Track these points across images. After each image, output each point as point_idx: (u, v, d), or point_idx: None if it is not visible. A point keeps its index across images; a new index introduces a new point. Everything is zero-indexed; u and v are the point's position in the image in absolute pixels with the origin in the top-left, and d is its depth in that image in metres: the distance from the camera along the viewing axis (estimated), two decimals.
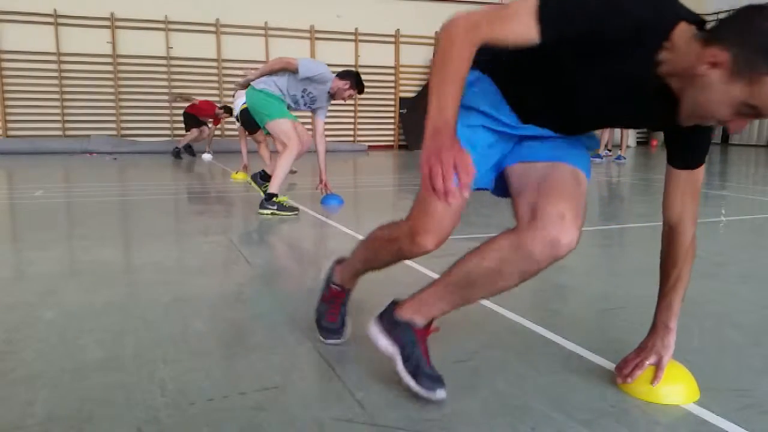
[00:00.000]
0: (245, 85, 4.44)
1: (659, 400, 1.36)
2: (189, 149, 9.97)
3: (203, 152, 9.75)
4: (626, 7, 1.08)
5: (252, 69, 4.33)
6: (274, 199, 4.11)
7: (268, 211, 4.07)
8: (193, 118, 9.50)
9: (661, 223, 1.45)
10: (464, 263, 1.34)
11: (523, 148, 1.39)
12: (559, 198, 1.24)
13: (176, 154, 9.72)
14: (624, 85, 1.18)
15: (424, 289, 1.42)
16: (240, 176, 6.63)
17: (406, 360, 1.37)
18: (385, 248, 1.52)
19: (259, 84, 4.26)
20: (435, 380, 1.34)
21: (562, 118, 1.33)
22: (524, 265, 1.24)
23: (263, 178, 4.69)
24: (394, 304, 1.45)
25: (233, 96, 6.82)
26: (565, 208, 1.22)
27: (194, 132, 9.58)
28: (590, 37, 1.10)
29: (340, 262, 1.78)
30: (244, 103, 7.27)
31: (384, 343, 1.42)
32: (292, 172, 6.44)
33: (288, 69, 4.26)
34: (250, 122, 7.52)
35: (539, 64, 1.24)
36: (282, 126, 4.18)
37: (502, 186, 1.45)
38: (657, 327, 1.44)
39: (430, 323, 1.42)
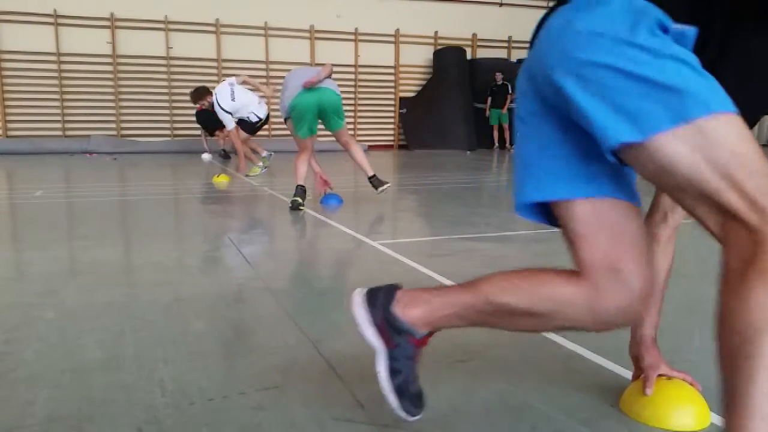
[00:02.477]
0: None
1: (670, 426, 1.26)
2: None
3: (215, 151, 9.63)
4: None
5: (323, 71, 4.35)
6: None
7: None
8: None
9: None
10: (504, 293, 1.12)
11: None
12: (643, 255, 1.05)
13: (224, 155, 9.46)
14: None
15: (437, 295, 1.21)
16: (222, 179, 6.31)
17: (393, 372, 1.20)
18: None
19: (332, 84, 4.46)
20: (417, 403, 1.22)
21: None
22: (590, 324, 1.08)
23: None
24: (394, 292, 1.23)
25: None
26: (649, 272, 1.05)
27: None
28: None
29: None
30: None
31: (370, 336, 1.21)
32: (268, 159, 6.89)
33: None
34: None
35: None
36: None
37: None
38: (645, 340, 1.33)
39: (430, 334, 1.22)
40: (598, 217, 1.04)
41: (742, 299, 0.82)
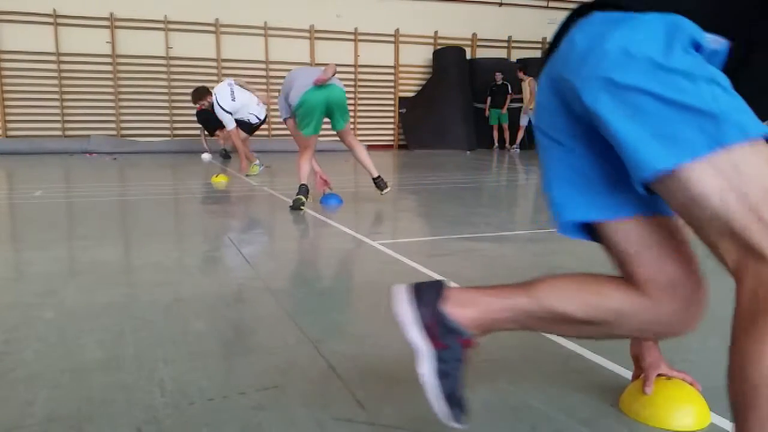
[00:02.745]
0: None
1: (670, 426, 1.26)
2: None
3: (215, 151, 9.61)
4: None
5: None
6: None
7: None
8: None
9: None
10: (562, 302, 1.10)
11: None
12: (692, 262, 1.07)
13: (224, 155, 9.41)
14: None
15: (490, 295, 1.15)
16: (221, 179, 6.21)
17: (442, 375, 1.11)
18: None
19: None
20: (464, 410, 1.13)
21: None
22: (653, 333, 1.13)
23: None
24: (441, 290, 1.15)
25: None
26: (699, 276, 1.08)
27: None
28: None
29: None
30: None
31: (416, 337, 1.12)
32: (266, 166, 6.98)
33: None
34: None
35: None
36: None
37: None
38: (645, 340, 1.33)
39: (476, 336, 1.16)
40: (646, 235, 1.05)
41: (755, 342, 0.81)
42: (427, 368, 1.11)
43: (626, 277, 1.09)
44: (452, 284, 1.15)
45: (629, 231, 1.05)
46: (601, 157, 1.02)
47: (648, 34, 0.90)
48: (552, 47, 1.08)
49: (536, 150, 1.19)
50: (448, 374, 1.11)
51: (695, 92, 0.86)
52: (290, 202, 4.35)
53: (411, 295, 1.15)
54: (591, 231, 1.12)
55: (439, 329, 1.11)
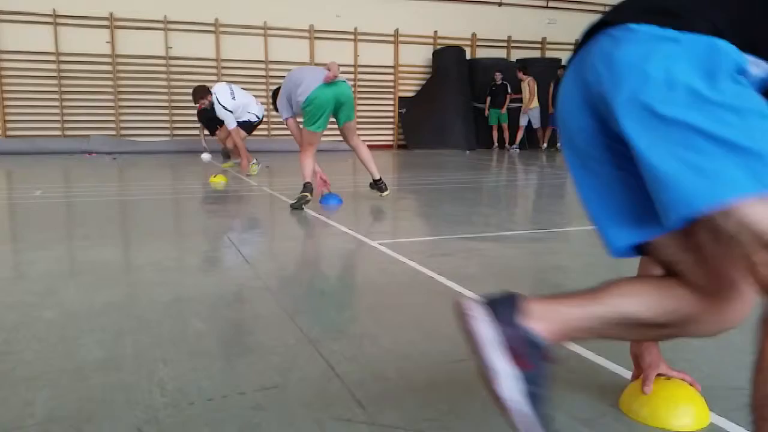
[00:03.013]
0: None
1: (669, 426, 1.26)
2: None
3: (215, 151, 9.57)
4: None
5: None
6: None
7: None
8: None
9: None
10: (635, 306, 1.06)
11: None
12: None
13: (225, 155, 9.35)
14: None
15: (568, 305, 1.07)
16: (219, 179, 6.10)
17: (534, 398, 0.99)
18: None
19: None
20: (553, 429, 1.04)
21: None
22: (710, 333, 1.11)
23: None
24: (518, 303, 1.04)
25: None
26: None
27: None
28: None
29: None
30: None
31: (497, 359, 0.99)
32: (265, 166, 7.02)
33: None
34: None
35: None
36: None
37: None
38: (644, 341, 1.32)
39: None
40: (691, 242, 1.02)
41: None
42: (513, 392, 0.98)
43: (692, 284, 1.06)
44: (522, 294, 1.07)
45: (679, 240, 1.02)
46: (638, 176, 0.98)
47: (690, 59, 0.86)
48: (576, 54, 1.03)
49: (566, 166, 1.14)
50: (537, 395, 1.00)
51: (744, 129, 0.82)
52: (290, 201, 4.35)
53: (486, 311, 1.02)
54: (639, 249, 1.09)
55: (526, 348, 1.01)
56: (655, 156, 0.87)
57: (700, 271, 1.04)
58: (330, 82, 4.31)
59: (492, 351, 0.99)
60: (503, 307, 1.03)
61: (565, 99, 1.08)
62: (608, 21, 0.99)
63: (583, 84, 1.02)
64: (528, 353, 1.00)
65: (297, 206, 4.22)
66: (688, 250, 1.03)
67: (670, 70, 0.87)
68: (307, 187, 4.33)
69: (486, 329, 1.00)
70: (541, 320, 1.03)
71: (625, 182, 1.02)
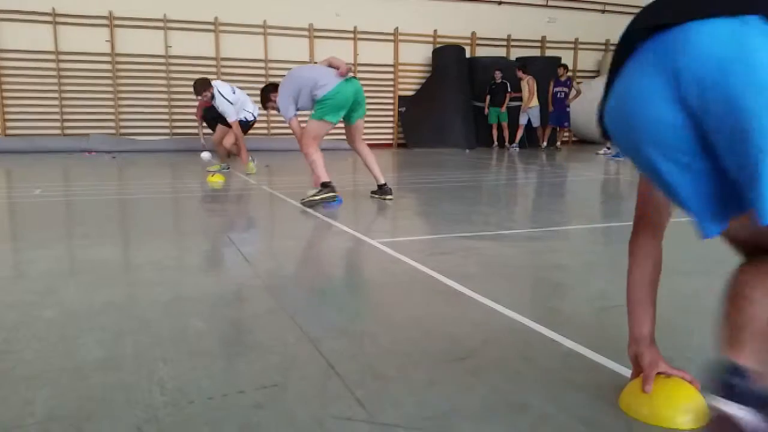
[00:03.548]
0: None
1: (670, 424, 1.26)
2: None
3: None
4: None
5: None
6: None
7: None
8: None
9: None
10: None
11: None
12: None
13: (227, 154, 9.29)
14: None
15: (750, 335, 1.04)
16: (217, 178, 5.99)
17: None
18: None
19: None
20: None
21: None
22: None
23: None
24: (738, 368, 1.02)
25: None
26: None
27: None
28: None
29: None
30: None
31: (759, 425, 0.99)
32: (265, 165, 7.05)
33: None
34: (215, 120, 7.57)
35: None
36: None
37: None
38: (644, 338, 1.33)
39: None
40: None
41: None
42: None
43: None
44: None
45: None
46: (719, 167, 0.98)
47: None
48: (646, 36, 1.02)
49: (635, 170, 1.13)
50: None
51: None
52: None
53: (742, 409, 1.00)
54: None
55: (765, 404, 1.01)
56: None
57: None
58: (349, 78, 4.39)
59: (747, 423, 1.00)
60: (728, 378, 1.02)
61: (642, 95, 1.03)
62: (704, 11, 0.96)
63: (673, 77, 0.98)
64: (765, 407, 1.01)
65: (315, 203, 4.23)
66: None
67: None
68: (330, 186, 4.34)
69: (740, 414, 1.00)
70: (756, 364, 1.03)
71: (718, 171, 1.01)
